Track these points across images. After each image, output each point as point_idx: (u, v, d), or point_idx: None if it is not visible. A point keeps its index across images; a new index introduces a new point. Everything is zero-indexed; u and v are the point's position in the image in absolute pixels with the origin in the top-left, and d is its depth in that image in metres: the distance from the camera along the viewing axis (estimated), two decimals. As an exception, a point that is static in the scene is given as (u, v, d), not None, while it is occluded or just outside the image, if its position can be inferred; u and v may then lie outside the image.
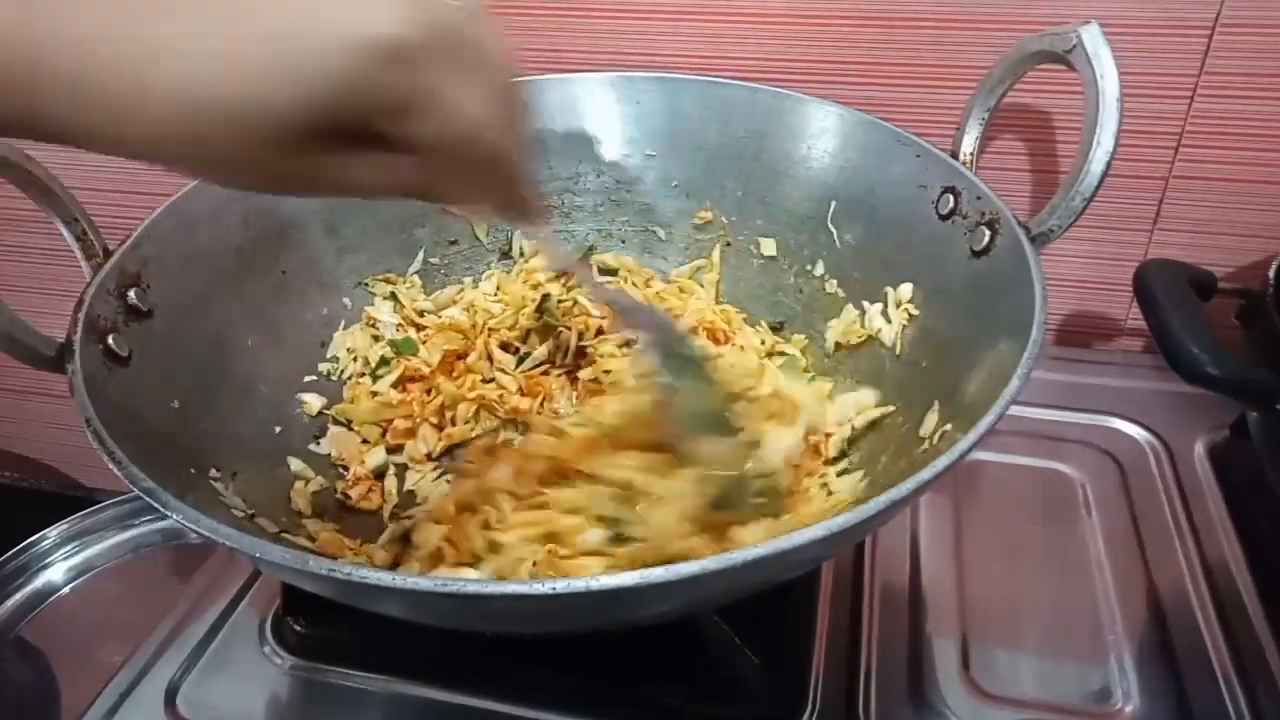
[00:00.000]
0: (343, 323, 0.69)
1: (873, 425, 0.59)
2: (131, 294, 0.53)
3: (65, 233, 0.53)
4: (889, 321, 0.62)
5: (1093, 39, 0.52)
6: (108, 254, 0.53)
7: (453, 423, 0.65)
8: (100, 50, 0.26)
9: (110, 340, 0.50)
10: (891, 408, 0.59)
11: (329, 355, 0.67)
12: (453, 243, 0.75)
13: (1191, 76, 0.66)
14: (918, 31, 0.69)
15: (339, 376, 0.67)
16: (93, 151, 0.28)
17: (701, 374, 0.54)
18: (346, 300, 0.69)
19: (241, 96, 0.26)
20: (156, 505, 0.39)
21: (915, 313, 0.61)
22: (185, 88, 0.26)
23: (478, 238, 0.75)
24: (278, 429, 0.59)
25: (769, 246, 0.71)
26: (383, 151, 0.30)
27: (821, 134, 0.67)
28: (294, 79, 0.26)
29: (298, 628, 0.58)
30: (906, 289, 0.61)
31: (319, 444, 0.63)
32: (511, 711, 0.52)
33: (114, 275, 0.52)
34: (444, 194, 0.34)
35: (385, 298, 0.71)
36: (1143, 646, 0.55)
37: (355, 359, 0.67)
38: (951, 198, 0.58)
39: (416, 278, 0.73)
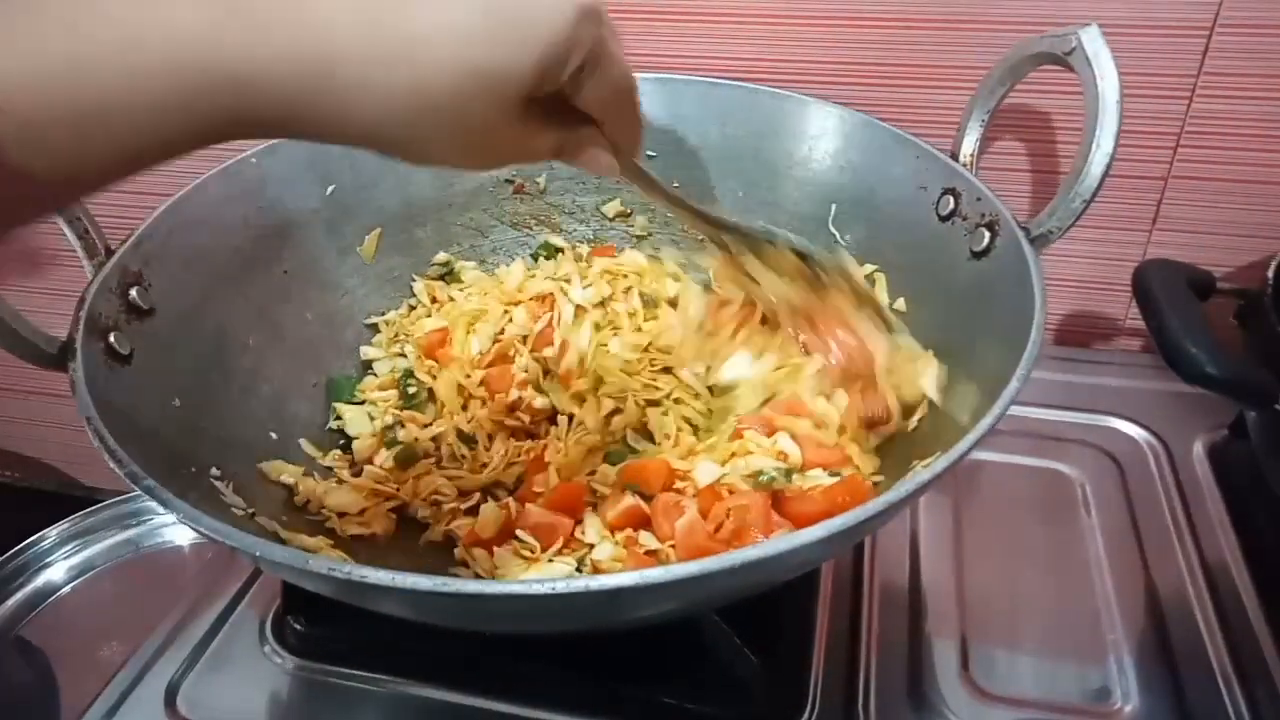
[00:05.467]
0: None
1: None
2: (133, 292, 0.53)
3: (67, 231, 0.53)
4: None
5: (1092, 41, 0.52)
6: (109, 252, 0.53)
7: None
8: (346, 37, 0.28)
9: (112, 339, 0.50)
10: None
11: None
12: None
13: (1190, 77, 0.66)
14: (918, 33, 0.69)
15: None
16: (312, 139, 0.30)
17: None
18: (346, 300, 0.69)
19: (489, 66, 0.29)
20: (158, 503, 0.39)
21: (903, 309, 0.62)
22: (444, 63, 0.29)
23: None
24: (273, 435, 0.59)
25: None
26: (557, 123, 0.35)
27: (822, 135, 0.67)
28: (523, 44, 0.29)
29: (298, 627, 0.58)
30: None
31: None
32: (511, 710, 0.52)
33: (116, 274, 0.52)
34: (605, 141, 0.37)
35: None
36: (1142, 646, 0.55)
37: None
38: (951, 199, 0.59)
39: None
